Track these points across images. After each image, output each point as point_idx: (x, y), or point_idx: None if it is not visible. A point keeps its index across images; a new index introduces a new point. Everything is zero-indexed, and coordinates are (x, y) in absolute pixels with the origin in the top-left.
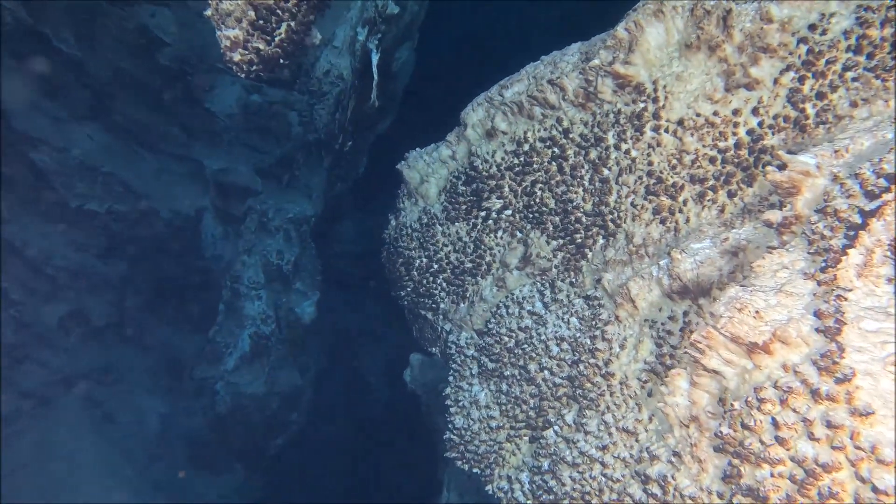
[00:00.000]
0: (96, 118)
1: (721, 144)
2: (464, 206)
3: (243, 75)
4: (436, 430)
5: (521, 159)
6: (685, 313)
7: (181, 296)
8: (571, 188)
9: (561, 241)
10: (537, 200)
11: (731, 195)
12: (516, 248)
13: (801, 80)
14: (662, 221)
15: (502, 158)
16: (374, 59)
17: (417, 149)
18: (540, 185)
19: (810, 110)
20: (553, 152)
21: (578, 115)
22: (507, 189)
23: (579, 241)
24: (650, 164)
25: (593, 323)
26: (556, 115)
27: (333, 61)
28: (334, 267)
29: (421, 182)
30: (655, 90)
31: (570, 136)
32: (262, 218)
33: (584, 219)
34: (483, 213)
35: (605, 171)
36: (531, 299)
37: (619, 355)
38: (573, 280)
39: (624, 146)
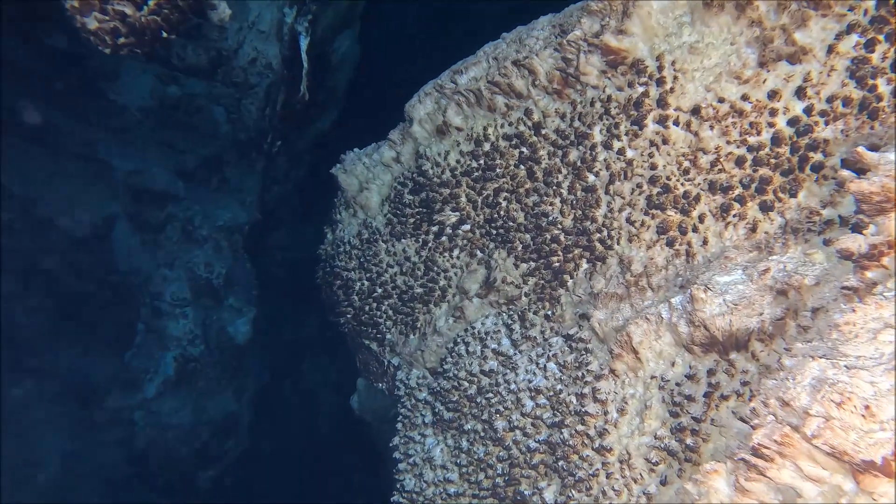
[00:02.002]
0: None
1: (752, 140)
2: (412, 220)
3: (108, 51)
4: (387, 460)
5: (481, 162)
6: (710, 371)
7: (90, 315)
8: (545, 198)
9: (533, 264)
10: (502, 213)
11: (765, 209)
12: (476, 272)
13: (870, 45)
14: (670, 243)
15: (457, 161)
16: (303, 43)
17: (356, 150)
18: (505, 195)
19: (884, 88)
20: (521, 153)
21: (553, 105)
22: (464, 199)
23: (557, 264)
24: (653, 167)
25: (579, 374)
26: (523, 105)
27: (260, 48)
28: (273, 276)
29: (360, 190)
30: (660, 68)
31: (543, 132)
32: (187, 226)
33: (562, 237)
34: (435, 229)
35: (591, 178)
36: (496, 335)
37: (618, 423)
38: (549, 312)
39: (616, 144)
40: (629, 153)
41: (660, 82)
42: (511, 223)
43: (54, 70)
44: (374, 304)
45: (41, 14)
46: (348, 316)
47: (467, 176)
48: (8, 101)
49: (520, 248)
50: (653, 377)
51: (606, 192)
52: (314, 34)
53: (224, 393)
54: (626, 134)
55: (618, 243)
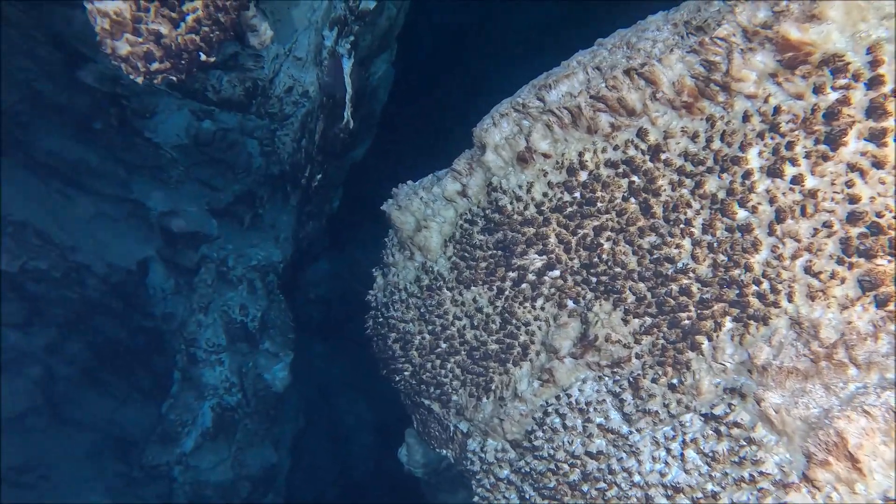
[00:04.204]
0: (4, 154)
1: None
2: (484, 264)
3: (140, 79)
4: None
5: (577, 195)
6: None
7: (126, 363)
8: (669, 239)
9: (650, 320)
10: (605, 257)
11: None
12: (568, 326)
13: None
14: (881, 303)
15: (544, 195)
16: (347, 66)
17: (409, 182)
18: (609, 235)
19: None
20: (631, 183)
21: (679, 122)
22: (553, 240)
23: (686, 322)
24: (853, 200)
25: (743, 474)
26: (635, 125)
27: (296, 75)
28: (307, 314)
29: (417, 229)
30: (874, 64)
31: (664, 156)
32: (221, 267)
33: (694, 288)
34: (514, 275)
35: (742, 214)
36: (601, 406)
37: None
38: (673, 381)
39: (789, 171)
40: (810, 182)
41: (872, 83)
42: (618, 269)
43: (92, 108)
44: (438, 362)
45: (73, 50)
46: (406, 373)
47: (558, 212)
48: (47, 143)
49: (630, 300)
50: (886, 499)
51: (770, 233)
52: (357, 57)
53: (263, 444)
54: (807, 156)
55: (789, 300)
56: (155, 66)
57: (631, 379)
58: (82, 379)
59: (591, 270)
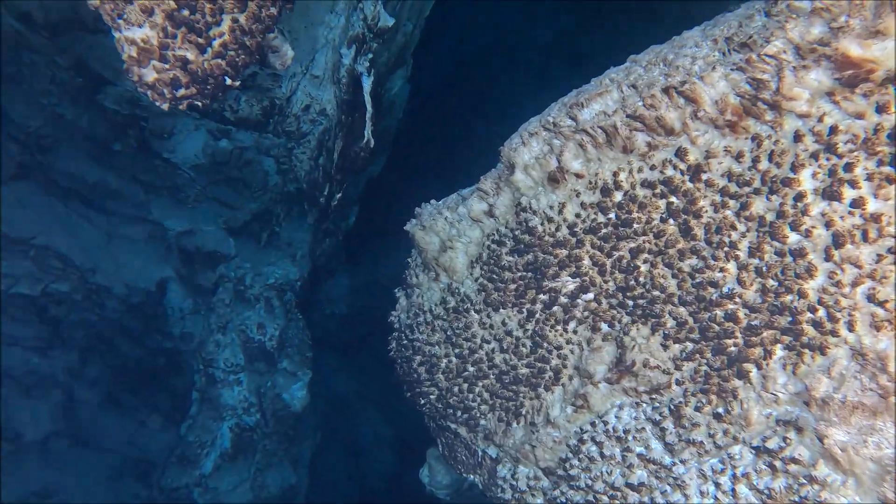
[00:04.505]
0: (28, 177)
1: None
2: (513, 286)
3: (166, 105)
4: None
5: (611, 216)
6: None
7: (145, 384)
8: (712, 263)
9: (691, 346)
10: (642, 280)
11: None
12: (602, 350)
13: None
14: None
15: (577, 215)
16: (367, 84)
17: (433, 201)
18: (647, 257)
19: None
20: (670, 204)
21: (721, 142)
22: (587, 262)
23: (732, 349)
24: None
25: None
26: (674, 144)
27: (314, 93)
28: (324, 329)
29: (442, 249)
30: None
31: (705, 177)
32: (238, 286)
33: (740, 314)
34: (545, 298)
35: (794, 238)
36: (640, 434)
37: None
38: (719, 410)
39: (848, 193)
40: (873, 205)
41: None
42: (657, 293)
43: (112, 131)
44: (466, 386)
45: (94, 74)
46: (432, 397)
47: (592, 233)
48: (68, 166)
49: (670, 325)
50: None
51: (827, 258)
52: (375, 74)
53: (282, 464)
54: (869, 178)
55: (850, 329)
56: (181, 91)
57: (672, 406)
58: (102, 401)
59: (628, 294)
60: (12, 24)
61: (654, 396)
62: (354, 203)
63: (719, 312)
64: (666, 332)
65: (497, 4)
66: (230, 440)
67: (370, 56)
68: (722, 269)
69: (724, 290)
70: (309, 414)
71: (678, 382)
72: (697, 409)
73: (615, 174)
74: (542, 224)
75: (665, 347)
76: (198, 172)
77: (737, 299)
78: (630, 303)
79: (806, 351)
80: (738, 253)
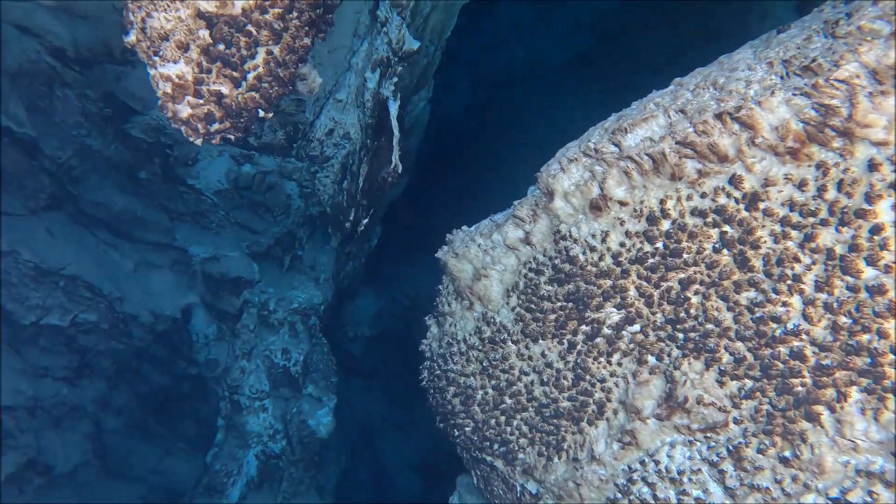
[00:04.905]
0: (58, 208)
1: None
2: (553, 316)
3: (199, 140)
4: None
5: (659, 246)
6: None
7: (171, 412)
8: (773, 296)
9: (751, 384)
10: (694, 312)
11: None
12: (650, 384)
13: None
14: None
15: (621, 245)
16: (393, 108)
17: (464, 228)
18: (698, 288)
19: None
20: (723, 234)
21: (781, 169)
22: (632, 293)
23: (799, 389)
24: None
25: None
26: (726, 171)
27: (337, 118)
28: (347, 352)
29: (476, 277)
30: None
31: (763, 205)
32: (262, 311)
33: (808, 352)
34: (587, 329)
35: (869, 272)
36: (697, 476)
37: None
38: (786, 454)
39: None
40: None
41: None
42: (711, 326)
43: (138, 159)
44: (503, 418)
45: (122, 104)
46: (466, 430)
47: (638, 263)
48: (95, 195)
49: (727, 360)
50: None
51: None
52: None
53: (308, 493)
54: None
55: None
56: (215, 126)
57: (731, 447)
58: (129, 430)
59: (678, 326)
60: (46, 60)
61: (709, 435)
62: (376, 224)
63: (783, 349)
64: (722, 367)
65: (517, 23)
66: (256, 468)
67: (395, 80)
68: (785, 304)
69: (789, 325)
70: (334, 440)
71: (736, 421)
72: (760, 451)
73: (662, 202)
74: (583, 253)
75: (721, 384)
76: (221, 198)
77: (803, 336)
78: (680, 336)
79: (889, 396)
80: (803, 287)
